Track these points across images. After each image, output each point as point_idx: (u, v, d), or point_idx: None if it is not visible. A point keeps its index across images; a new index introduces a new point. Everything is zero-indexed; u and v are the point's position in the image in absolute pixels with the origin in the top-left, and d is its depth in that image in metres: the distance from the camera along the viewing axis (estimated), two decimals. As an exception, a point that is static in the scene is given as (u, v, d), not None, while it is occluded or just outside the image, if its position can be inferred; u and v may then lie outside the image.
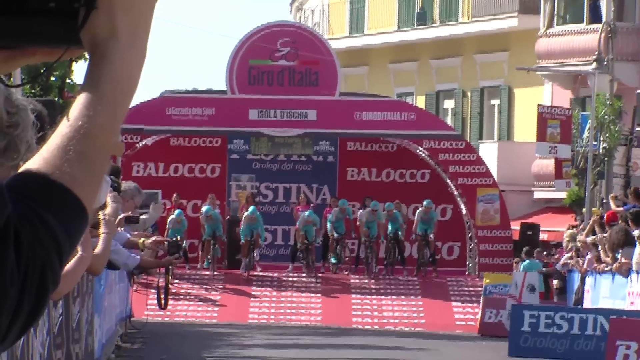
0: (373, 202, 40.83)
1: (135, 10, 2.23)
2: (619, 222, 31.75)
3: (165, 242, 21.82)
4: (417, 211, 36.52)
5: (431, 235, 41.36)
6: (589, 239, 34.25)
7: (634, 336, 21.05)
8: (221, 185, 45.83)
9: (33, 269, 2.04)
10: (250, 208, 43.95)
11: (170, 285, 33.51)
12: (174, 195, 44.18)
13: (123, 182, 22.07)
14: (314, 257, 43.87)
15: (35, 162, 2.14)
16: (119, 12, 2.21)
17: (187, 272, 43.10)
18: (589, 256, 33.39)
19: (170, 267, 23.42)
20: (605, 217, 34.11)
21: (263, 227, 42.55)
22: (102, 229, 13.97)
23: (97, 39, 2.21)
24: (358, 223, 40.79)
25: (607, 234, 33.00)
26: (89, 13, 2.22)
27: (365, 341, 28.75)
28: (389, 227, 41.49)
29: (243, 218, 42.74)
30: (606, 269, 31.88)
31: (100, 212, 15.99)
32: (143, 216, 18.53)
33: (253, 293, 41.81)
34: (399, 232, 41.28)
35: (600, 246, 33.04)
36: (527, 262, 38.78)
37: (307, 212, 42.73)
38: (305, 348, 28.21)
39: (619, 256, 30.53)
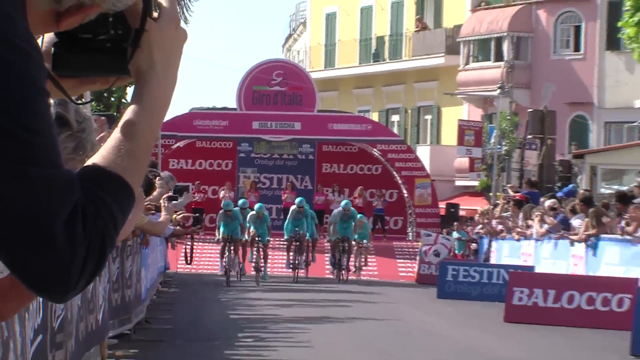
0: (345, 201, 35.41)
1: (167, 49, 2.20)
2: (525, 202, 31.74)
3: (191, 217, 23.88)
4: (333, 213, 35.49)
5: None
6: (504, 213, 34.23)
7: (526, 284, 20.99)
8: (232, 175, 45.69)
9: (95, 236, 2.01)
10: (257, 205, 34.71)
11: (194, 247, 33.94)
12: (196, 182, 44.31)
13: (161, 172, 22.09)
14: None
15: (97, 158, 2.11)
16: (156, 50, 2.17)
17: (209, 236, 42.78)
18: (500, 227, 33.40)
19: (193, 234, 24.67)
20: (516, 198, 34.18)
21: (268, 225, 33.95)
22: (163, 212, 14.21)
23: (141, 70, 2.18)
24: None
25: (511, 211, 33.04)
26: (135, 51, 2.19)
27: (336, 288, 28.67)
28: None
29: (248, 217, 33.25)
30: (507, 235, 31.89)
31: (162, 200, 16.31)
32: (174, 202, 18.54)
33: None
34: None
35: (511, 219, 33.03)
36: (456, 232, 38.79)
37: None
38: (294, 292, 28.14)
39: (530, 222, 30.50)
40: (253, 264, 33.18)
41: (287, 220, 34.98)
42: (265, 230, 33.06)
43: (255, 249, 33.18)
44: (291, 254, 34.95)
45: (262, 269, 32.39)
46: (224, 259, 32.72)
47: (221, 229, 33.13)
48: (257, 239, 32.85)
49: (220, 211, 34.10)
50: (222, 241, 33.14)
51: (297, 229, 33.96)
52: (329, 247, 35.41)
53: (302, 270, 34.82)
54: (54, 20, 2.09)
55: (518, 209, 31.69)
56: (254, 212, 33.18)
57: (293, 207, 34.29)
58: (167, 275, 27.50)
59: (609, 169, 43.33)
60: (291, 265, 34.49)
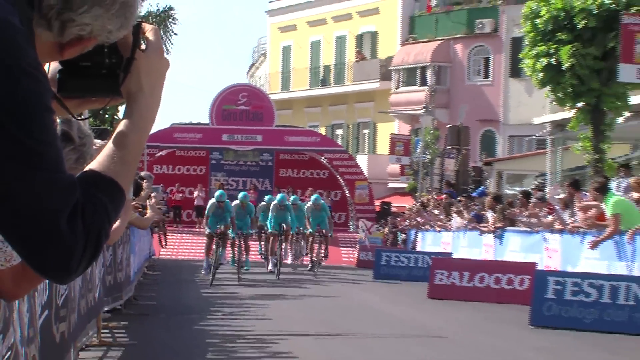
0: (315, 196, 30.14)
1: (153, 75, 2.19)
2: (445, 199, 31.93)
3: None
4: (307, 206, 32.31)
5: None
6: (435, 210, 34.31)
7: (445, 267, 21.04)
8: (205, 179, 45.64)
9: (93, 230, 2.00)
10: (240, 194, 27.60)
11: (167, 233, 34.24)
12: (176, 184, 44.48)
13: (142, 172, 22.08)
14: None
15: (94, 164, 2.10)
16: (144, 76, 2.17)
17: (186, 228, 42.74)
18: (424, 221, 33.52)
19: (164, 222, 24.51)
20: (439, 198, 34.33)
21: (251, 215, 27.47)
22: (149, 210, 14.12)
23: (131, 92, 2.17)
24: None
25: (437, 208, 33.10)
26: (126, 76, 2.18)
27: (291, 271, 28.60)
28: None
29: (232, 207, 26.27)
30: (430, 227, 31.96)
31: (147, 200, 16.33)
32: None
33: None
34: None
35: (433, 211, 33.11)
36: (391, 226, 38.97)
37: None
38: (256, 266, 28.19)
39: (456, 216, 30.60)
40: (229, 258, 28.53)
41: (269, 216, 28.27)
42: (248, 221, 26.66)
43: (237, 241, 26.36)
44: (269, 247, 28.70)
45: (244, 263, 26.79)
46: (210, 256, 25.01)
47: (209, 222, 25.15)
48: (239, 231, 25.74)
49: (211, 201, 25.65)
50: (209, 237, 25.49)
51: (282, 224, 27.58)
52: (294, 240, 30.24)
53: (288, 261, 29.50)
54: (58, 50, 2.10)
55: (444, 208, 31.81)
56: (237, 202, 26.43)
57: (274, 204, 28.08)
58: (152, 260, 27.36)
59: (512, 174, 43.66)
60: (268, 257, 28.65)
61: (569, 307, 15.63)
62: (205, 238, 26.84)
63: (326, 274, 28.04)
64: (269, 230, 28.36)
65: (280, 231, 27.41)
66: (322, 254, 29.65)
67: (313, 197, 29.95)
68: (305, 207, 29.38)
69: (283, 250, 28.05)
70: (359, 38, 59.15)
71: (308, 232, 29.37)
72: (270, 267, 27.98)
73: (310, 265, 29.29)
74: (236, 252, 26.18)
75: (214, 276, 23.27)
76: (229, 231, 25.04)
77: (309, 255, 30.07)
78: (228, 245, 26.65)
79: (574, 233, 20.05)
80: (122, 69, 2.18)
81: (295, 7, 63.03)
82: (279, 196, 28.96)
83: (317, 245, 29.43)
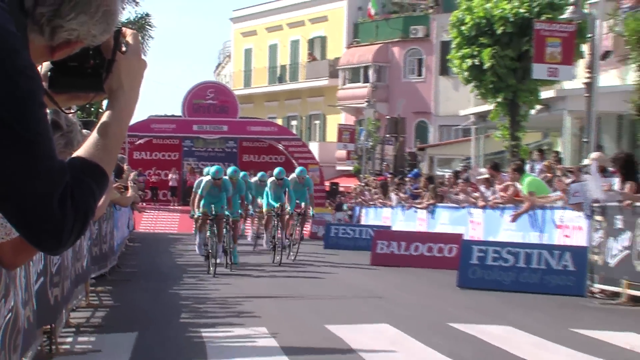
0: (300, 168, 23.16)
1: (132, 74, 2.19)
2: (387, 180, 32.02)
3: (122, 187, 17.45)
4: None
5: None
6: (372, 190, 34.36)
7: (385, 238, 21.11)
8: (178, 163, 45.53)
9: (80, 208, 2.00)
10: (230, 169, 20.72)
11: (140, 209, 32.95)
12: (153, 168, 44.42)
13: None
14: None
15: (81, 151, 2.10)
16: (124, 75, 2.16)
17: (162, 206, 42.55)
18: (368, 197, 33.60)
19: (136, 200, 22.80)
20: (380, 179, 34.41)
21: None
22: (130, 190, 14.10)
23: (112, 89, 2.16)
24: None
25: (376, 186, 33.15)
26: (108, 75, 2.17)
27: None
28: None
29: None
30: (372, 203, 32.03)
31: (129, 181, 16.38)
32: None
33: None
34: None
35: (373, 192, 33.14)
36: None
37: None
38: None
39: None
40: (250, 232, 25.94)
41: (265, 193, 22.42)
42: (237, 201, 20.60)
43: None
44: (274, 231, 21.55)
45: (232, 250, 19.33)
46: (206, 244, 19.12)
47: (202, 202, 18.76)
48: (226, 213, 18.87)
49: (205, 179, 19.13)
50: (200, 218, 19.40)
51: (279, 202, 21.31)
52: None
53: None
54: (49, 52, 2.10)
55: (381, 187, 31.92)
56: (226, 177, 19.35)
57: (271, 179, 22.01)
58: (132, 234, 27.22)
59: (442, 158, 43.89)
60: (270, 244, 21.84)
61: (490, 271, 15.77)
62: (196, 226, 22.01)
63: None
64: (264, 208, 22.70)
65: (277, 211, 21.27)
66: (298, 236, 22.39)
67: (297, 169, 23.20)
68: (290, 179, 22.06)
69: (280, 231, 21.24)
70: (311, 42, 59.16)
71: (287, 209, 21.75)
72: (264, 245, 23.92)
73: (269, 244, 22.60)
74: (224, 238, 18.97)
75: (210, 264, 17.89)
76: (226, 212, 18.66)
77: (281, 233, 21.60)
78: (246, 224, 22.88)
79: (494, 208, 20.20)
80: (105, 68, 2.18)
81: (256, 15, 63.08)
82: (275, 170, 22.24)
83: (294, 223, 22.24)
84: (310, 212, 22.84)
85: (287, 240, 21.80)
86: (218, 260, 18.14)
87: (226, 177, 19.18)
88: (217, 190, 18.71)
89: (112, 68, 2.17)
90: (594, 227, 15.37)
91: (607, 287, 14.91)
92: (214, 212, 18.62)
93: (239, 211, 21.05)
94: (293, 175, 22.44)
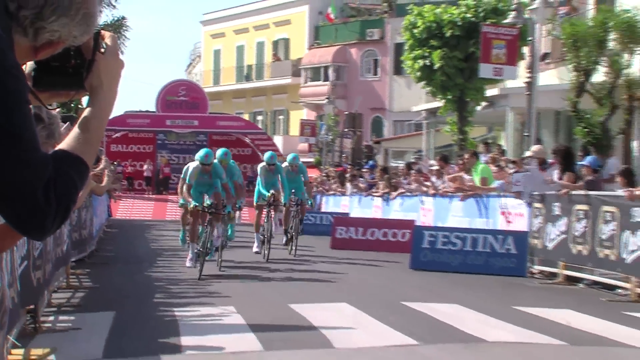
0: (293, 155, 19.56)
1: (111, 73, 2.18)
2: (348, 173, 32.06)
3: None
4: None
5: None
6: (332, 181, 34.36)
7: (344, 224, 21.15)
8: (153, 155, 45.22)
9: (63, 197, 2.00)
10: (219, 151, 16.26)
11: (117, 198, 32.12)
12: (129, 160, 44.18)
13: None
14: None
15: (63, 144, 2.10)
16: (103, 74, 2.15)
17: (138, 195, 42.31)
18: (328, 186, 33.61)
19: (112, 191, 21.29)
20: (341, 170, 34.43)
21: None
22: (105, 179, 13.99)
23: (92, 87, 2.15)
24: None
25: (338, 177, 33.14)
26: (88, 74, 2.16)
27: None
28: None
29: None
30: (331, 192, 32.07)
31: (106, 170, 15.89)
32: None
33: (170, 198, 41.46)
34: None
35: (334, 182, 33.17)
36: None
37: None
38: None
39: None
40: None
41: (258, 181, 18.23)
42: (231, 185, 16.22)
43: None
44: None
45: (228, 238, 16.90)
46: (196, 240, 15.06)
47: (192, 192, 14.97)
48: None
49: (193, 165, 14.95)
50: (195, 209, 14.78)
51: (272, 191, 17.55)
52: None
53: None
54: (33, 52, 2.09)
55: (339, 177, 31.94)
56: (215, 160, 15.25)
57: (262, 165, 18.01)
58: (109, 220, 27.05)
59: (396, 151, 44.02)
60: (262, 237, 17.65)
61: (440, 254, 15.85)
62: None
63: (249, 230, 28.03)
64: (255, 201, 18.01)
65: (269, 200, 17.59)
66: (300, 229, 19.00)
67: (289, 156, 19.50)
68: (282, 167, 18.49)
69: (275, 224, 18.37)
70: (275, 43, 59.05)
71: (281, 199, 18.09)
72: (255, 248, 17.77)
73: (284, 239, 19.10)
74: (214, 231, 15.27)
75: (202, 265, 14.31)
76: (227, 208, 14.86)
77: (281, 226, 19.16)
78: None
79: (443, 196, 20.30)
80: (85, 68, 2.17)
81: (224, 18, 62.88)
82: (266, 154, 18.28)
83: (292, 216, 18.73)
84: (309, 201, 19.69)
85: (287, 231, 18.65)
86: (207, 257, 14.68)
87: (216, 162, 15.16)
88: (208, 178, 14.92)
89: (92, 67, 2.16)
90: (534, 213, 15.51)
91: (546, 268, 15.06)
92: (208, 203, 14.62)
93: (240, 203, 16.08)
94: (285, 163, 19.06)
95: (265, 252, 17.33)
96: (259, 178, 18.06)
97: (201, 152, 15.19)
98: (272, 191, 17.74)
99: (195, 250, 15.02)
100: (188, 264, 15.10)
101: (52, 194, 1.97)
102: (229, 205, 15.17)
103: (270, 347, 8.32)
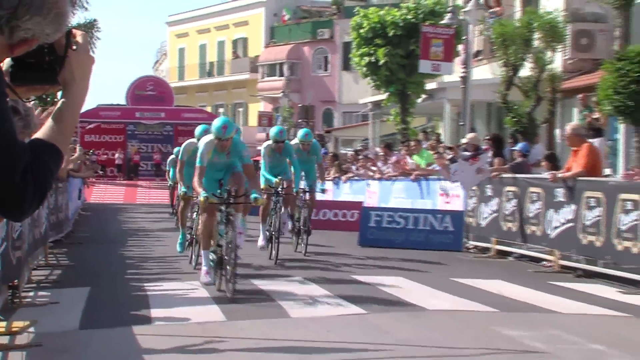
0: (304, 130, 14.44)
1: (82, 68, 2.16)
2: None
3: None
4: None
5: None
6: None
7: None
8: (124, 144, 44.95)
9: (39, 182, 1.98)
10: (198, 129, 12.90)
11: (90, 184, 31.39)
12: (102, 149, 43.74)
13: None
14: None
15: (39, 134, 2.08)
16: (75, 69, 2.13)
17: (110, 181, 41.89)
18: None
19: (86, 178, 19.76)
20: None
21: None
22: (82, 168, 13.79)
23: (65, 81, 2.13)
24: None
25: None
26: (61, 70, 2.14)
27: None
28: None
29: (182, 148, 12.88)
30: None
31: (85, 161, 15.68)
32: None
33: (139, 183, 41.19)
34: None
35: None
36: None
37: None
38: (157, 213, 27.75)
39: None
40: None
41: (262, 164, 13.65)
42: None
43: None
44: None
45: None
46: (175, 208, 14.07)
47: (171, 173, 14.59)
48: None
49: (204, 142, 10.19)
50: (181, 201, 13.32)
51: (279, 176, 13.20)
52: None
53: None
54: (9, 50, 2.06)
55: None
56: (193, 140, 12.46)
57: (267, 144, 13.33)
58: (84, 204, 26.78)
59: (345, 139, 44.07)
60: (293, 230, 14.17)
61: (385, 232, 15.92)
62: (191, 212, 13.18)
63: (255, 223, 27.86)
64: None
65: (277, 187, 13.19)
66: (307, 227, 14.20)
67: (301, 132, 14.45)
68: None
69: (285, 221, 13.72)
70: (235, 42, 58.79)
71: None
72: (261, 242, 13.37)
73: (293, 238, 14.36)
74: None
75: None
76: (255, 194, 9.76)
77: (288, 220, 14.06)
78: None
79: (387, 180, 20.38)
80: (58, 64, 2.14)
81: (188, 20, 62.49)
82: (273, 129, 13.56)
83: (302, 205, 14.16)
84: (319, 186, 14.34)
85: (300, 226, 14.12)
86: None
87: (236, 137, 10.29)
88: (225, 157, 10.24)
89: (64, 63, 2.14)
90: (469, 195, 15.64)
91: (479, 243, 15.21)
92: (223, 194, 9.79)
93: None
94: (295, 140, 14.12)
95: (273, 252, 13.01)
96: (262, 160, 13.51)
97: (218, 121, 10.04)
98: (279, 177, 13.20)
99: (189, 238, 12.53)
100: (205, 279, 10.04)
101: (29, 178, 1.97)
102: (254, 190, 9.88)
103: (232, 317, 8.31)
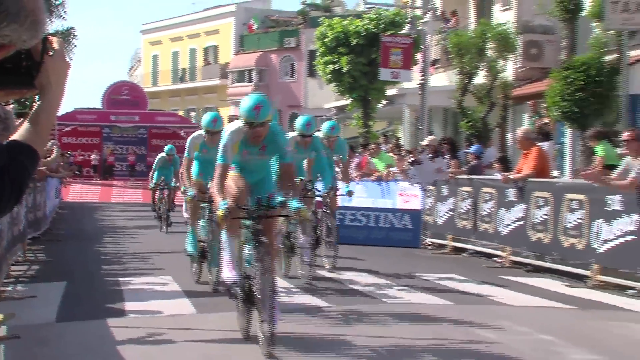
0: (330, 123, 12.24)
1: (58, 73, 2.14)
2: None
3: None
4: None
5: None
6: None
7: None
8: (99, 146, 44.60)
9: (16, 182, 1.97)
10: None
11: (67, 183, 30.70)
12: (79, 150, 43.30)
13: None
14: None
15: (16, 135, 2.06)
16: (51, 74, 2.11)
17: (86, 180, 41.49)
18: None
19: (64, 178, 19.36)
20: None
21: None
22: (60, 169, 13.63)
23: (42, 85, 2.11)
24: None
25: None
26: (38, 74, 2.12)
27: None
28: None
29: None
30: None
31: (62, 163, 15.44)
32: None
33: (114, 183, 40.84)
34: None
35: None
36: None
37: None
38: (132, 211, 27.53)
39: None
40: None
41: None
42: (171, 173, 17.14)
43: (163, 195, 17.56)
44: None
45: (168, 218, 17.17)
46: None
47: (155, 175, 17.50)
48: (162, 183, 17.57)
49: (161, 155, 17.58)
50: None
51: (301, 178, 10.53)
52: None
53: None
54: None
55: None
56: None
57: (292, 135, 10.12)
58: (61, 203, 26.49)
59: (310, 142, 44.12)
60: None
61: (348, 229, 15.91)
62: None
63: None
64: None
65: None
66: (333, 238, 11.42)
67: (326, 125, 12.20)
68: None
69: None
70: (206, 50, 58.60)
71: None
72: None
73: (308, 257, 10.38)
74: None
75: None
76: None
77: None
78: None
79: (350, 181, 20.38)
80: (35, 69, 2.12)
81: (161, 28, 62.20)
82: (302, 120, 10.59)
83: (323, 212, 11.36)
84: (345, 188, 11.66)
85: (327, 238, 11.29)
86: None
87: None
88: (258, 153, 7.01)
89: (41, 68, 2.13)
90: (427, 194, 15.72)
91: (436, 240, 15.29)
92: (165, 184, 9.14)
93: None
94: (318, 133, 11.38)
95: (301, 270, 10.38)
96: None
97: (248, 101, 6.72)
98: (300, 178, 10.47)
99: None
100: (228, 274, 7.31)
101: (6, 179, 1.94)
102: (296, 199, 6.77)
103: (203, 310, 8.28)
